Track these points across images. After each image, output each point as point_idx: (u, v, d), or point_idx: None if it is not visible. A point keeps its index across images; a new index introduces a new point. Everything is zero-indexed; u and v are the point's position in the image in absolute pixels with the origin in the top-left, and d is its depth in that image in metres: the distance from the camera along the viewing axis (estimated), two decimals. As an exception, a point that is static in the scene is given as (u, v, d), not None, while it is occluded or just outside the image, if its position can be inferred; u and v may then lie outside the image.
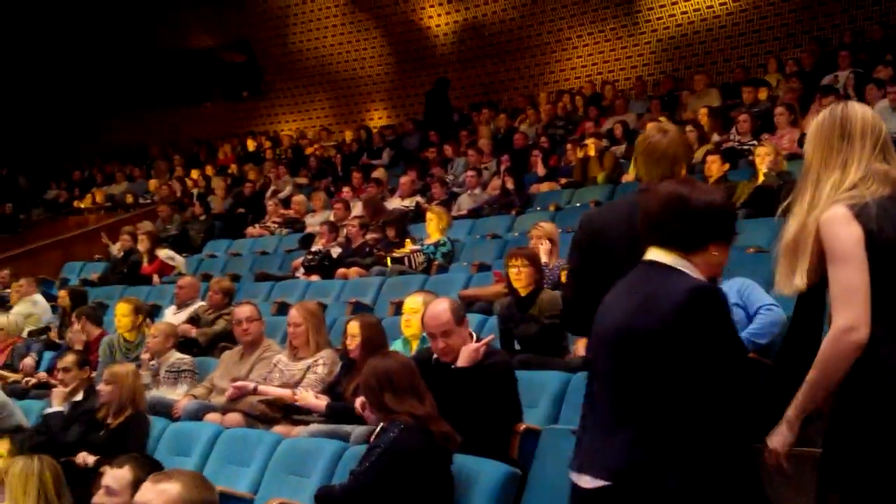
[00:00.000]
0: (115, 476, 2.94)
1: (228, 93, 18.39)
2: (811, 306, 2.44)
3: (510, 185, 9.60)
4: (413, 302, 5.03)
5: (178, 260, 9.99)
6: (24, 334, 8.11)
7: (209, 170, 15.08)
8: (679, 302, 2.22)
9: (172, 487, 2.37)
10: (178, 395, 5.68)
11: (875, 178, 2.35)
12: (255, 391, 5.08)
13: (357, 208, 10.14)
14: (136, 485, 2.88)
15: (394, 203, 10.29)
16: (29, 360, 7.33)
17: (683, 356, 2.20)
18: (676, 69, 13.51)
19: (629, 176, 9.29)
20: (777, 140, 8.32)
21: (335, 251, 8.73)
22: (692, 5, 13.64)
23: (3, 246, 13.23)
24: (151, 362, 5.96)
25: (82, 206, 15.17)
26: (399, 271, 7.73)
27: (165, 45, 18.07)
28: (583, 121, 11.93)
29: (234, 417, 5.02)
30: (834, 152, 2.39)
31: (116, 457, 4.20)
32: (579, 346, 4.92)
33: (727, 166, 7.57)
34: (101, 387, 5.12)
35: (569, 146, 10.54)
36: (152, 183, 15.10)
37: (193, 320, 6.95)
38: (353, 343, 4.70)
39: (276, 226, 11.10)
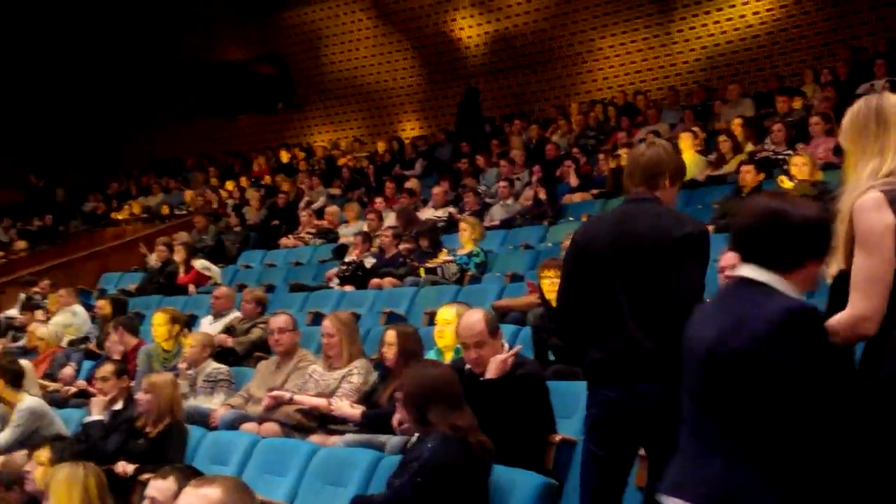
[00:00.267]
0: (160, 487, 2.96)
1: (262, 105, 18.57)
2: (843, 290, 2.40)
3: (542, 195, 9.60)
4: (446, 313, 5.05)
5: (214, 270, 10.10)
6: (64, 344, 8.21)
7: (244, 181, 15.23)
8: (775, 322, 2.12)
9: (214, 492, 2.38)
10: (215, 404, 5.73)
11: None
12: (290, 401, 5.12)
13: (390, 219, 10.19)
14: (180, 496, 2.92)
15: (426, 213, 10.34)
16: (69, 370, 7.42)
17: (779, 377, 2.11)
18: (709, 79, 13.45)
19: (662, 186, 9.25)
20: (812, 149, 8.25)
21: (369, 261, 8.77)
22: (725, 15, 13.58)
23: (42, 257, 13.45)
24: (189, 372, 6.02)
25: (120, 217, 15.37)
26: (432, 281, 7.77)
27: (200, 59, 18.30)
28: (615, 131, 11.91)
29: (270, 427, 5.06)
30: (871, 139, 2.41)
31: (155, 465, 4.27)
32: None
33: (762, 176, 7.52)
34: (139, 396, 5.18)
35: (601, 156, 10.53)
36: (188, 194, 15.27)
37: (228, 331, 7.02)
38: (390, 352, 4.73)
39: (310, 236, 11.18)
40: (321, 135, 17.71)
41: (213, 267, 10.19)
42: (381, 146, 15.01)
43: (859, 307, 2.29)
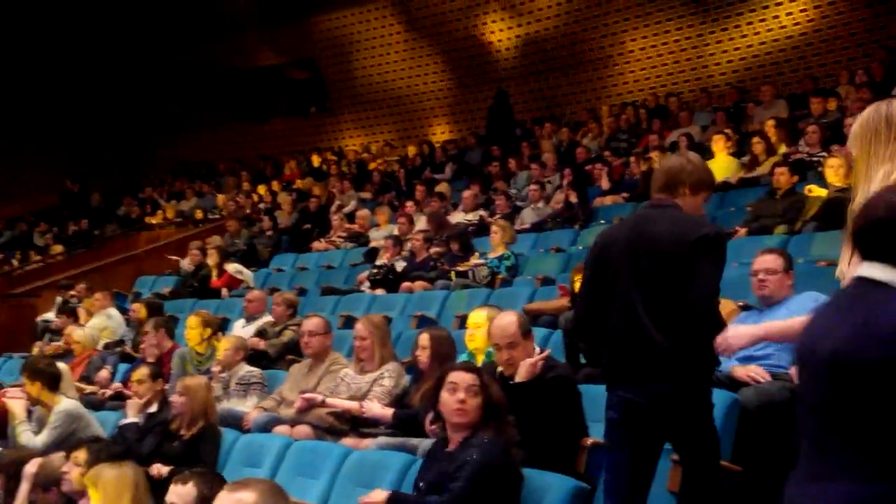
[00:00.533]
0: (180, 492, 2.98)
1: (294, 109, 18.71)
2: None
3: (573, 198, 9.57)
4: (477, 316, 5.05)
5: (247, 274, 10.18)
6: (100, 347, 8.30)
7: (275, 185, 15.33)
8: None
9: (248, 497, 2.38)
10: (248, 407, 5.77)
11: None
12: (323, 403, 5.15)
13: (420, 223, 10.22)
14: (200, 501, 2.93)
15: (457, 217, 10.35)
16: (104, 373, 7.48)
17: None
18: (742, 80, 13.35)
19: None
20: (847, 151, 8.15)
21: (400, 265, 8.80)
22: (758, 16, 13.48)
23: (78, 261, 13.63)
24: (222, 375, 6.07)
25: (154, 221, 15.54)
26: (463, 285, 7.77)
27: (234, 64, 18.47)
28: (646, 133, 11.85)
29: (303, 430, 5.09)
30: (882, 144, 2.42)
31: (190, 468, 4.32)
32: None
33: (796, 178, 7.45)
34: (174, 398, 5.23)
35: (632, 159, 10.49)
36: (220, 198, 15.41)
37: (261, 334, 7.07)
38: (424, 355, 4.74)
39: (341, 240, 11.23)
40: (352, 139, 17.80)
41: (246, 270, 10.28)
42: (411, 150, 15.05)
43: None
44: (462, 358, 5.05)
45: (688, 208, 3.22)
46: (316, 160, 16.22)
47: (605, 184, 10.24)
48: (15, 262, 14.72)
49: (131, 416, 5.41)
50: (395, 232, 10.01)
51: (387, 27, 16.96)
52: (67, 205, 17.65)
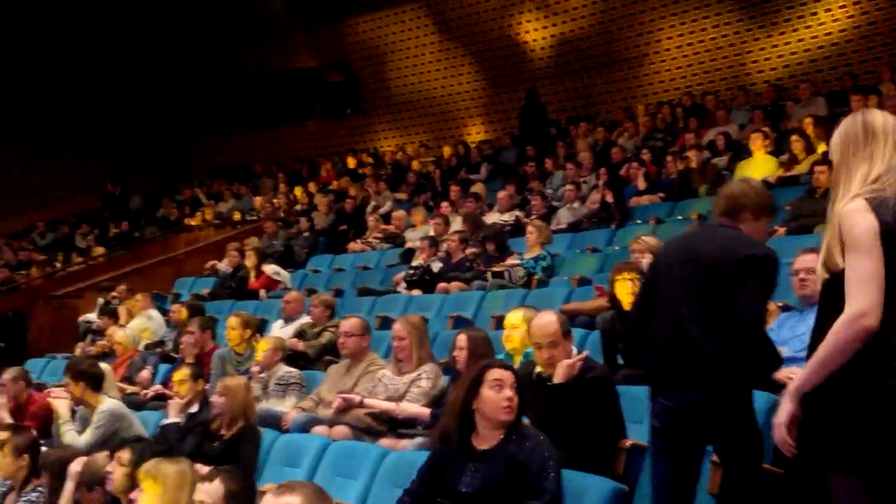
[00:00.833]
0: (208, 490, 3.01)
1: (330, 111, 18.82)
2: (835, 294, 2.47)
3: (609, 198, 9.53)
4: (514, 317, 5.04)
5: (284, 275, 10.25)
6: (141, 348, 8.41)
7: (312, 186, 15.43)
8: None
9: (294, 501, 2.40)
10: (287, 407, 5.81)
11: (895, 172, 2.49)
12: (361, 404, 5.18)
13: (456, 223, 10.23)
14: (227, 497, 2.97)
15: (492, 217, 10.34)
16: (145, 373, 7.59)
17: None
18: (780, 78, 13.21)
19: (732, 188, 9.11)
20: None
21: (436, 266, 8.82)
22: (796, 13, 13.34)
23: (118, 262, 13.81)
24: (261, 375, 6.12)
25: (192, 223, 15.70)
26: (499, 285, 7.77)
27: (270, 68, 18.62)
28: (682, 132, 11.77)
29: (341, 430, 5.12)
30: (860, 147, 2.55)
31: (230, 467, 4.36)
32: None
33: (836, 177, 7.34)
34: (214, 399, 5.28)
35: (669, 158, 10.42)
36: (257, 200, 15.53)
37: (299, 335, 7.13)
38: (461, 355, 4.75)
39: (377, 241, 11.28)
40: (388, 140, 17.87)
41: (283, 272, 10.35)
42: (446, 151, 15.07)
43: (855, 304, 2.38)
44: (499, 358, 5.05)
45: (750, 232, 3.29)
46: (351, 162, 16.30)
47: (640, 184, 10.19)
48: (58, 264, 14.95)
49: (172, 416, 5.46)
50: (431, 233, 10.03)
51: (421, 28, 17.01)
52: (108, 207, 17.91)
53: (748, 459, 3.19)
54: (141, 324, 8.95)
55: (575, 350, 4.10)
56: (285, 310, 7.70)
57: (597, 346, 5.27)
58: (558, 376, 3.89)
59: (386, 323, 7.43)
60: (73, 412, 5.70)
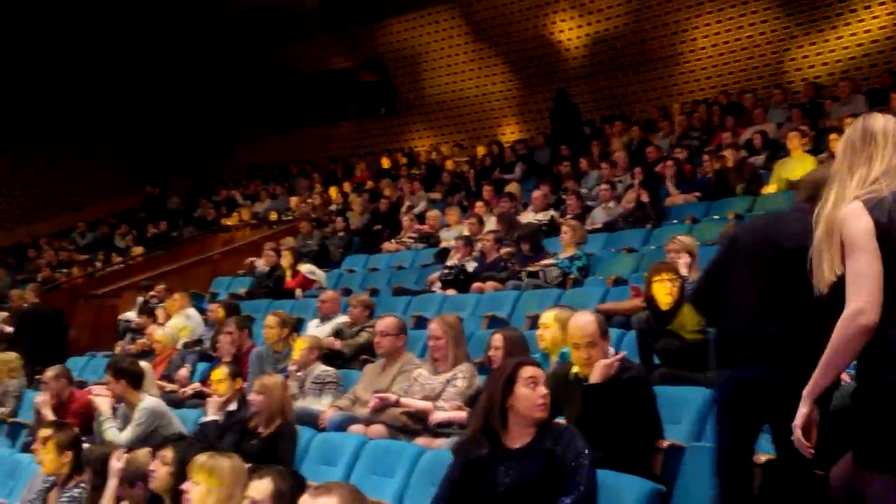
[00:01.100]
0: (258, 487, 3.05)
1: (364, 111, 18.91)
2: (838, 297, 2.52)
3: (645, 198, 9.48)
4: (545, 317, 5.04)
5: (319, 274, 10.32)
6: (179, 346, 8.51)
7: (346, 186, 15.51)
8: None
9: (330, 502, 2.43)
10: (323, 405, 5.85)
11: (894, 173, 2.54)
12: (397, 403, 5.21)
13: (490, 223, 10.23)
14: (276, 496, 3.01)
15: (527, 217, 10.33)
16: (184, 371, 7.68)
17: None
18: (818, 76, 13.07)
19: (769, 188, 9.05)
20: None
21: (470, 265, 8.83)
22: (835, 10, 13.18)
23: (157, 262, 13.98)
24: (298, 374, 6.17)
25: (229, 223, 15.84)
26: (534, 285, 7.77)
27: (304, 69, 18.75)
28: (719, 131, 11.68)
29: (377, 429, 5.15)
30: (858, 151, 2.60)
31: (268, 465, 4.41)
32: (723, 363, 4.84)
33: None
34: (251, 397, 5.32)
35: (705, 157, 10.35)
36: (293, 200, 15.64)
37: (337, 334, 7.18)
38: (497, 355, 4.76)
39: (412, 241, 11.31)
40: (421, 140, 17.92)
41: (319, 271, 10.42)
42: (480, 150, 15.07)
43: (854, 302, 2.45)
44: (535, 357, 5.06)
45: None
46: (386, 162, 16.36)
47: (670, 185, 10.08)
48: (98, 264, 15.16)
49: (211, 414, 5.53)
50: (466, 232, 10.04)
51: (455, 28, 17.03)
52: (146, 208, 18.13)
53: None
54: (179, 322, 9.05)
55: (612, 350, 4.09)
56: (321, 309, 7.75)
57: (632, 346, 5.26)
58: (595, 376, 3.88)
59: (421, 322, 7.46)
60: (114, 410, 5.78)
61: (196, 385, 7.17)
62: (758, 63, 13.97)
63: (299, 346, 6.26)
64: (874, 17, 12.92)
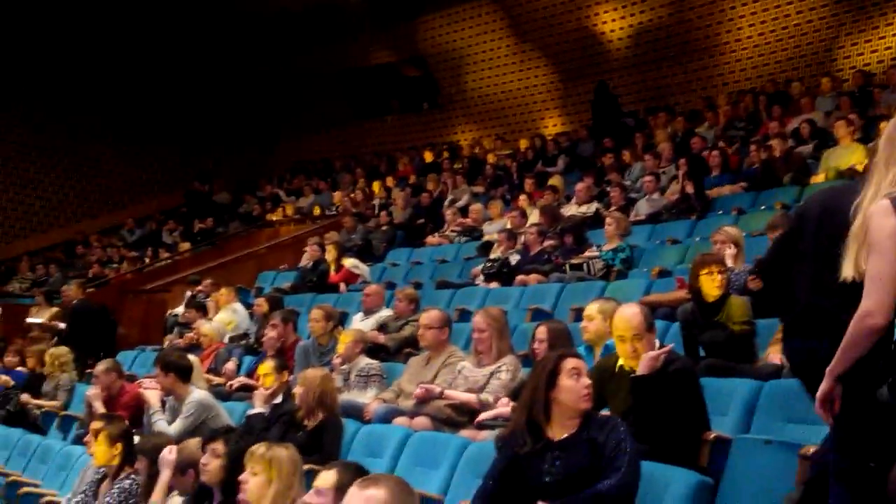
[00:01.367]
0: (324, 478, 3.09)
1: (407, 106, 18.95)
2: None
3: (690, 189, 9.40)
4: (589, 309, 5.02)
5: (363, 269, 10.38)
6: (226, 340, 8.62)
7: (389, 181, 15.56)
8: None
9: (379, 493, 2.45)
10: (368, 398, 5.89)
11: None
12: (441, 395, 5.23)
13: (533, 216, 10.21)
14: (339, 488, 3.04)
15: (570, 210, 10.30)
16: (230, 365, 7.77)
17: None
18: (868, 63, 12.81)
19: (818, 177, 8.92)
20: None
21: (514, 258, 8.82)
22: (883, -5, 12.93)
23: (203, 257, 14.16)
24: (343, 367, 6.22)
25: (274, 218, 15.99)
26: (578, 278, 7.74)
27: (347, 65, 18.84)
28: (766, 121, 11.52)
29: (422, 421, 5.18)
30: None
31: (314, 457, 4.45)
32: (771, 353, 4.78)
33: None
34: (296, 390, 5.40)
35: (752, 147, 10.22)
36: (336, 195, 15.74)
37: (381, 328, 7.22)
38: (541, 348, 4.76)
39: (455, 234, 11.33)
40: (464, 133, 17.91)
41: (363, 265, 10.48)
42: (523, 143, 15.04)
43: (865, 303, 2.50)
44: (579, 350, 5.05)
45: None
46: (429, 156, 16.39)
47: (719, 173, 9.98)
48: (146, 260, 15.40)
49: (258, 407, 5.60)
50: (509, 225, 10.03)
51: (497, 21, 16.98)
52: (190, 204, 18.35)
53: (850, 423, 3.08)
54: (226, 317, 9.16)
55: (658, 343, 4.07)
56: (365, 303, 7.79)
57: (677, 338, 5.21)
58: (642, 368, 3.87)
59: (464, 315, 7.47)
60: (163, 403, 5.87)
61: (242, 378, 7.24)
62: (805, 51, 13.74)
63: (344, 340, 6.30)
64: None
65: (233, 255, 13.67)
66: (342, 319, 7.86)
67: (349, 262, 10.33)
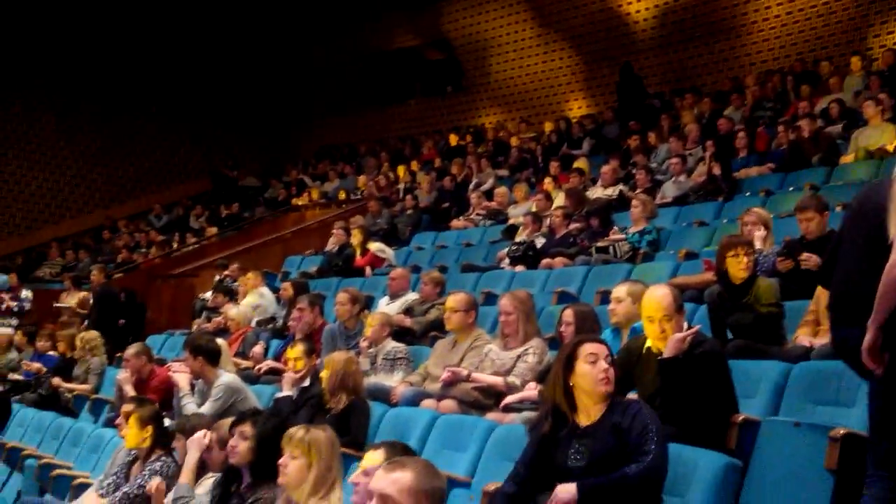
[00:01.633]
0: (372, 458, 3.12)
1: (430, 90, 18.91)
2: None
3: (717, 171, 9.32)
4: (618, 291, 5.01)
5: (388, 252, 10.39)
6: (253, 324, 8.67)
7: (414, 165, 15.56)
8: None
9: (406, 476, 2.45)
10: (395, 381, 5.91)
11: None
12: (468, 378, 5.24)
13: (559, 199, 10.18)
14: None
15: (596, 192, 10.25)
16: (258, 349, 7.83)
17: None
18: (898, 42, 12.64)
19: (847, 158, 8.82)
20: None
21: (539, 241, 8.80)
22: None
23: (230, 242, 14.24)
24: (370, 350, 6.24)
25: (299, 203, 16.05)
26: (604, 260, 7.71)
27: (371, 49, 18.83)
28: (794, 101, 11.39)
29: (448, 404, 5.19)
30: None
31: (342, 440, 4.47)
32: (800, 335, 4.75)
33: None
34: (322, 373, 5.43)
35: (780, 128, 10.11)
36: (361, 179, 15.76)
37: (407, 311, 7.23)
38: (568, 330, 4.75)
39: (480, 218, 11.32)
40: (488, 117, 17.86)
41: (388, 249, 10.49)
42: (547, 126, 14.97)
43: (893, 256, 2.72)
44: (605, 333, 5.04)
45: None
46: (453, 139, 16.35)
47: (746, 154, 9.89)
48: (174, 245, 15.51)
49: (286, 390, 5.63)
50: (534, 209, 10.00)
51: (521, 3, 16.90)
52: (218, 186, 18.43)
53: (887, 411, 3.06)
54: (253, 301, 9.21)
55: (686, 324, 4.04)
56: (391, 286, 7.81)
57: (704, 320, 5.19)
58: (668, 350, 3.85)
59: (490, 299, 7.47)
60: (192, 386, 5.92)
61: (270, 362, 7.29)
62: (834, 30, 13.56)
63: (371, 323, 6.32)
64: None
65: (259, 239, 13.74)
66: (368, 303, 7.87)
67: (375, 246, 10.35)
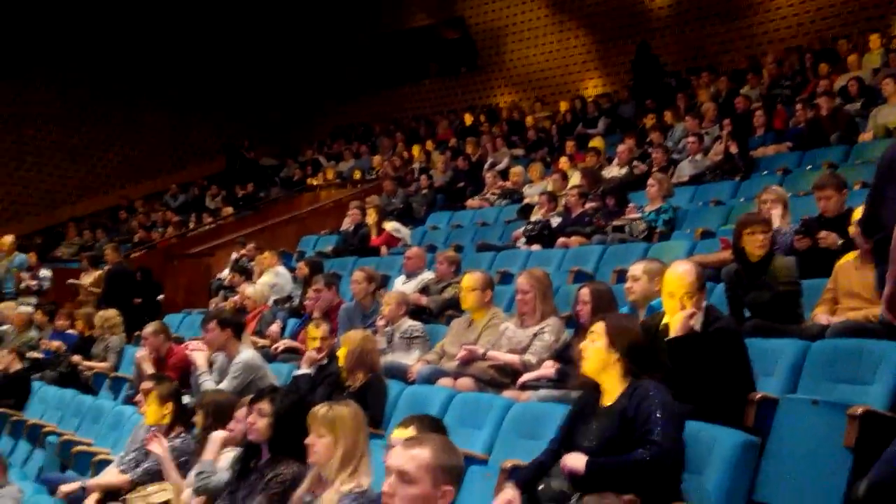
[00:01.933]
0: (402, 433, 3.16)
1: (445, 69, 18.84)
2: None
3: (734, 149, 9.26)
4: (635, 269, 5.00)
5: (404, 232, 10.41)
6: (270, 303, 8.71)
7: (429, 145, 15.53)
8: None
9: (423, 453, 2.47)
10: (412, 359, 5.95)
11: None
12: (484, 356, 5.26)
13: (574, 178, 10.15)
14: None
15: (612, 171, 10.22)
16: (275, 327, 7.87)
17: None
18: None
19: (866, 135, 8.75)
20: None
21: (555, 221, 8.80)
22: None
23: (246, 222, 14.28)
24: (386, 328, 6.27)
25: (315, 183, 16.07)
26: (619, 239, 7.70)
27: (387, 27, 18.76)
28: (812, 79, 11.29)
29: (465, 382, 5.22)
30: None
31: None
32: (818, 313, 4.74)
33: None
34: (339, 351, 5.46)
35: (798, 106, 10.03)
36: (376, 159, 15.76)
37: (423, 290, 7.25)
38: (585, 309, 4.76)
39: (495, 197, 11.31)
40: (503, 96, 17.79)
41: (403, 229, 10.51)
42: (563, 105, 14.91)
43: None
44: (623, 311, 5.04)
45: None
46: (468, 119, 16.32)
47: (763, 132, 9.82)
48: (191, 224, 15.57)
49: (304, 368, 5.67)
50: (549, 188, 9.98)
51: (537, -20, 16.79)
52: (232, 165, 18.44)
53: None
54: (269, 280, 9.25)
55: (705, 304, 4.04)
56: (406, 266, 7.83)
57: (721, 298, 5.18)
58: (675, 329, 3.85)
59: (506, 278, 7.48)
60: (210, 364, 5.97)
61: (287, 340, 7.33)
62: (853, 7, 13.41)
63: (387, 302, 6.34)
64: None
65: (275, 219, 13.76)
66: (384, 282, 7.90)
67: (390, 226, 10.36)
